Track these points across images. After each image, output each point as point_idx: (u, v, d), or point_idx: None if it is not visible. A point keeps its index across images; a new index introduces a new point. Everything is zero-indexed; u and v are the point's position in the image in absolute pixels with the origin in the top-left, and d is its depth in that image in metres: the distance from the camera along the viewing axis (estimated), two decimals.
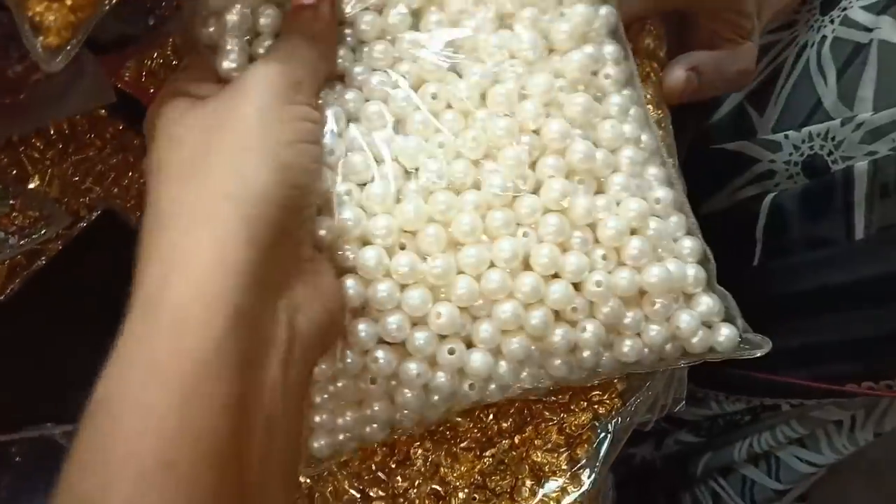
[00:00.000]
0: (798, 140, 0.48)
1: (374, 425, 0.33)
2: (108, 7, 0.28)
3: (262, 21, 0.32)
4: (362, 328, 0.30)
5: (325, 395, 0.32)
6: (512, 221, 0.31)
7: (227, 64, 0.31)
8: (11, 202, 0.38)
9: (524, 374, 0.32)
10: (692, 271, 0.32)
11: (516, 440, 0.41)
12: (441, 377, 0.31)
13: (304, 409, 0.29)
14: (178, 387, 0.23)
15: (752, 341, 0.33)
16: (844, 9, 0.48)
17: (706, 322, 0.33)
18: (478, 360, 0.31)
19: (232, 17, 0.31)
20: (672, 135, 0.40)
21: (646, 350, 0.32)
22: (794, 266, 0.49)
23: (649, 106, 0.39)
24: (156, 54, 0.43)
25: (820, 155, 0.47)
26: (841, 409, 0.57)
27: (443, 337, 0.31)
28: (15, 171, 0.43)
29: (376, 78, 0.32)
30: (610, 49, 0.34)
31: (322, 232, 0.30)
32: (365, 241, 0.31)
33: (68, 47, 0.28)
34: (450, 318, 0.30)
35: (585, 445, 0.40)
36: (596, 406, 0.40)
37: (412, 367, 0.31)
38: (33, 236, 0.38)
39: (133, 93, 0.42)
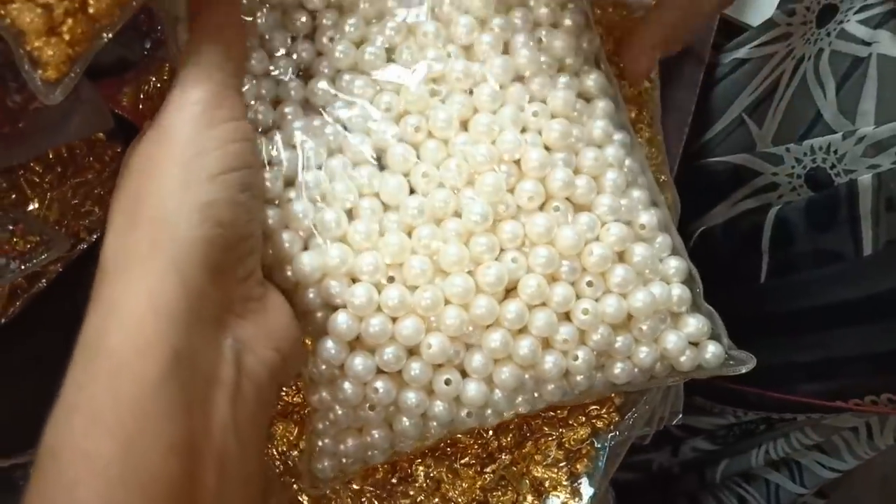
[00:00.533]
0: (800, 153, 0.49)
1: (375, 451, 0.33)
2: (105, 40, 0.29)
3: None
4: (359, 362, 0.31)
5: (327, 422, 0.32)
6: (496, 245, 0.31)
7: None
8: (11, 228, 0.39)
9: (519, 399, 0.33)
10: (677, 291, 0.33)
11: (516, 455, 0.41)
12: (439, 406, 0.32)
13: (262, 447, 0.29)
14: (121, 433, 0.23)
15: (737, 357, 0.34)
16: (841, 22, 0.49)
17: (693, 341, 0.33)
18: (473, 389, 0.31)
19: None
20: (665, 151, 0.41)
21: (636, 370, 0.33)
22: (803, 282, 0.49)
23: (640, 125, 0.40)
24: (153, 79, 0.43)
25: (823, 168, 0.48)
26: (855, 417, 0.58)
27: (438, 365, 0.31)
28: (14, 196, 0.44)
29: (356, 111, 0.32)
30: (594, 76, 0.34)
31: (306, 268, 0.30)
32: (352, 277, 0.31)
33: (67, 80, 0.28)
34: (441, 348, 0.31)
35: (585, 460, 0.41)
36: (594, 420, 0.41)
37: (411, 397, 0.31)
38: (34, 261, 0.39)
39: (130, 118, 0.43)
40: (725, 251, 0.53)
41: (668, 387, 0.41)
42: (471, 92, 0.33)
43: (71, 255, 0.44)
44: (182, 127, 0.27)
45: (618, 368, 0.33)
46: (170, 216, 0.26)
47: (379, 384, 0.31)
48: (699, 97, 0.54)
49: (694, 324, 0.33)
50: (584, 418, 0.41)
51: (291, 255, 0.31)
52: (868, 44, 0.47)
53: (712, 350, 0.33)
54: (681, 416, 0.43)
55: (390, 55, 0.33)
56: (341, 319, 0.30)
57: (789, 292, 0.50)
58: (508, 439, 0.41)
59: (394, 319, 0.31)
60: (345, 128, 0.33)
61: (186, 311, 0.25)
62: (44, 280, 0.44)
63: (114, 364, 0.24)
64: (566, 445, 0.41)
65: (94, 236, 0.45)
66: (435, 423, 0.32)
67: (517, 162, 0.32)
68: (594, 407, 0.41)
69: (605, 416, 0.41)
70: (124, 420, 0.23)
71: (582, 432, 0.41)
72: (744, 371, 0.33)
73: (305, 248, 0.31)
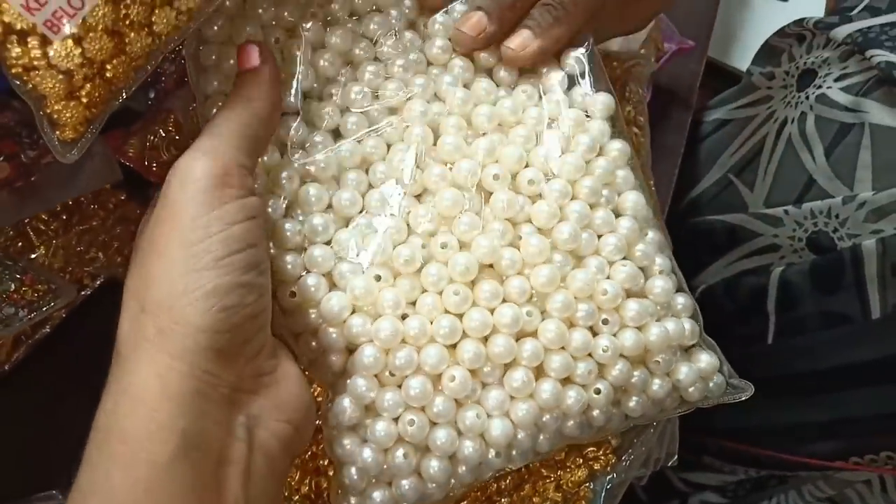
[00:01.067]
0: (800, 216, 0.50)
1: None
2: (120, 101, 0.31)
3: None
4: (389, 396, 0.31)
5: (353, 475, 0.32)
6: (499, 291, 0.32)
7: None
8: (20, 277, 0.40)
9: (541, 438, 0.34)
10: (688, 326, 0.35)
11: (515, 498, 0.42)
12: (468, 446, 0.32)
13: None
14: None
15: (736, 386, 0.35)
16: (819, 86, 0.51)
17: (704, 374, 0.35)
18: (498, 426, 0.32)
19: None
20: (655, 196, 0.43)
21: (650, 403, 0.34)
22: (812, 343, 0.50)
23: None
24: (159, 129, 0.45)
25: (825, 232, 0.49)
26: (868, 470, 0.58)
27: (460, 405, 0.32)
28: (21, 243, 0.45)
29: (353, 174, 0.34)
30: (618, 146, 0.35)
31: (334, 308, 0.31)
32: (376, 314, 0.32)
33: (83, 140, 0.30)
34: (462, 380, 0.31)
35: (583, 502, 0.42)
36: (591, 462, 0.42)
37: (441, 435, 0.32)
38: (43, 309, 0.40)
39: (136, 168, 0.44)
40: (728, 310, 0.55)
41: (663, 428, 0.43)
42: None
43: (74, 302, 0.46)
44: (186, 206, 0.27)
45: (633, 402, 0.34)
46: (176, 302, 0.26)
47: (412, 416, 0.31)
48: (684, 153, 0.56)
49: (706, 358, 0.35)
50: (581, 460, 0.42)
51: (317, 298, 0.32)
52: (853, 111, 0.49)
53: (716, 380, 0.35)
54: (676, 457, 0.44)
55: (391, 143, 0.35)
56: (368, 353, 0.31)
57: (798, 353, 0.51)
58: (507, 482, 0.43)
59: (418, 351, 0.32)
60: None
61: (195, 395, 0.26)
62: (47, 326, 0.46)
63: (127, 447, 0.25)
64: (564, 487, 0.42)
65: (97, 282, 0.47)
66: (464, 468, 0.33)
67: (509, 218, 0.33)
68: (591, 449, 0.42)
69: (602, 458, 0.42)
70: (138, 500, 0.24)
71: (579, 474, 0.42)
72: (743, 398, 0.35)
73: (331, 289, 0.32)
